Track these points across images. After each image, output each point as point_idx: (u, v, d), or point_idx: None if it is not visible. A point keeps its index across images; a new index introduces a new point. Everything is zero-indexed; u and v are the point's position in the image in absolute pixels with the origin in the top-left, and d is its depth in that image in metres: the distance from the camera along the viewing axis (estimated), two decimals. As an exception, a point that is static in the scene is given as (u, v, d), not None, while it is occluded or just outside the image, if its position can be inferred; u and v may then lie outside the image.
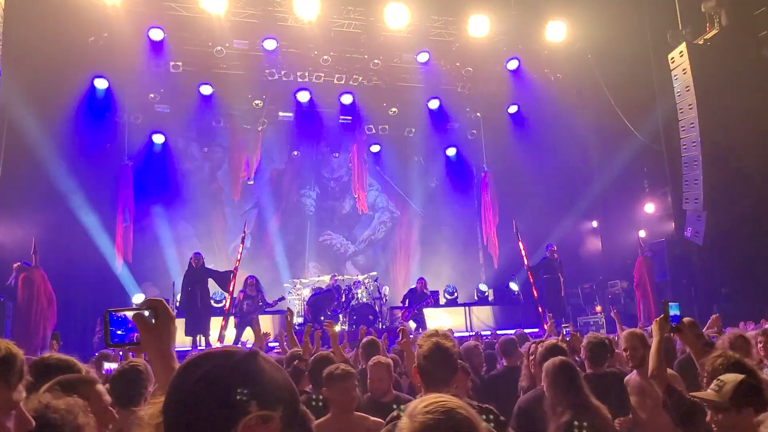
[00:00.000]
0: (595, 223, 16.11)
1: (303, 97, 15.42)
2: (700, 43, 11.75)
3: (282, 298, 12.82)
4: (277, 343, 8.24)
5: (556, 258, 13.61)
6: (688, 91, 11.45)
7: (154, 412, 1.16)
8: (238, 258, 12.24)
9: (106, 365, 4.80)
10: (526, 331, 8.91)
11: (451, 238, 17.50)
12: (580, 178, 15.52)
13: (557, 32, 13.93)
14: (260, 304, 12.13)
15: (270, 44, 13.63)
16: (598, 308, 14.13)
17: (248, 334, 11.46)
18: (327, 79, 14.93)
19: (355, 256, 17.35)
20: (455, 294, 15.35)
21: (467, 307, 14.86)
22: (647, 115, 13.02)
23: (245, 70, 14.39)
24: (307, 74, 14.72)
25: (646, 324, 11.09)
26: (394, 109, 16.48)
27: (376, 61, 14.68)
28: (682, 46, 11.54)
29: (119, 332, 1.61)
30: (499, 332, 9.28)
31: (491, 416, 2.72)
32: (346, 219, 17.45)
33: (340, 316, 13.21)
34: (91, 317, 12.09)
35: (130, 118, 14.69)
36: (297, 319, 14.00)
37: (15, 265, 10.32)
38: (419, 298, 13.50)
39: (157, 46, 13.16)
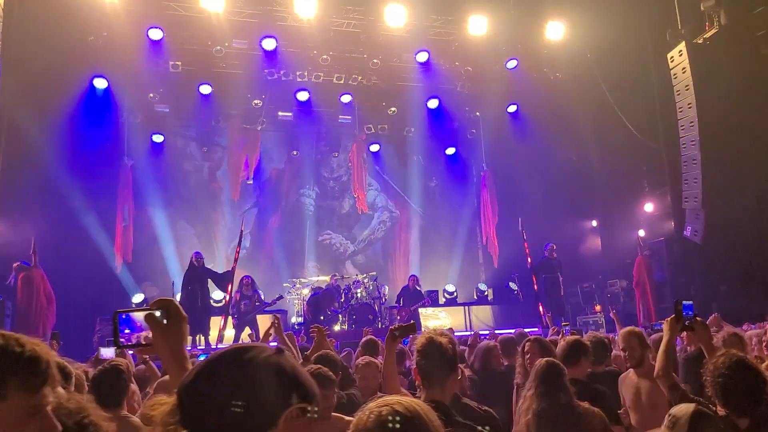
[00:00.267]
0: (594, 223, 16.11)
1: (302, 96, 15.44)
2: (700, 42, 11.74)
3: (280, 297, 12.82)
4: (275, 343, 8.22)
5: (555, 257, 13.62)
6: (687, 90, 11.46)
7: (164, 411, 1.13)
8: (236, 257, 12.22)
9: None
10: (526, 330, 8.91)
11: (451, 238, 17.51)
12: (580, 177, 15.52)
13: (556, 31, 13.94)
14: (257, 303, 12.13)
15: (269, 44, 13.63)
16: (598, 307, 14.13)
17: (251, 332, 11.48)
18: (326, 78, 14.92)
19: (355, 256, 17.35)
20: (454, 293, 15.37)
21: (467, 307, 14.88)
22: (646, 114, 13.03)
23: (244, 70, 14.38)
24: (306, 74, 14.71)
25: (646, 323, 11.11)
26: (393, 109, 16.48)
27: (375, 60, 14.68)
28: (682, 45, 11.55)
29: (127, 331, 1.60)
30: (497, 332, 9.25)
31: (491, 422, 2.71)
32: (345, 218, 17.45)
33: (340, 315, 13.23)
34: (91, 317, 12.09)
35: (130, 117, 14.68)
36: (297, 319, 14.03)
37: (14, 265, 10.34)
38: (412, 296, 13.51)
39: (156, 46, 13.15)
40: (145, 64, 13.50)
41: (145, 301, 13.12)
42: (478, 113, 17.20)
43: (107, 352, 4.79)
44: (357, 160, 16.78)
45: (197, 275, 11.90)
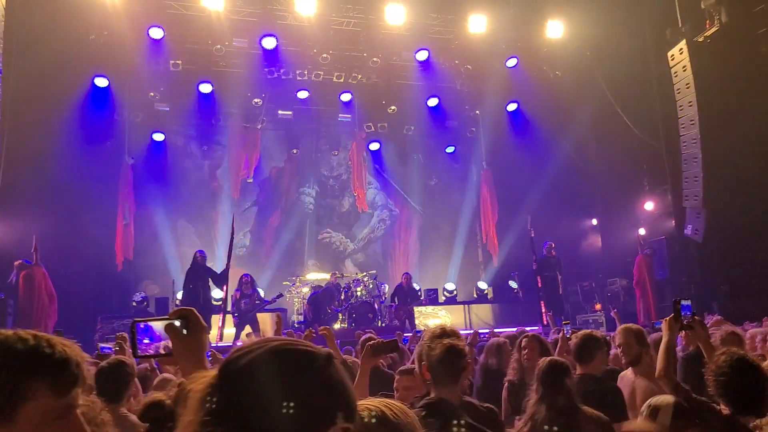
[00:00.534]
0: (594, 221, 16.11)
1: (302, 95, 15.45)
2: (700, 40, 11.73)
3: (280, 295, 12.83)
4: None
5: (554, 255, 13.60)
6: (687, 88, 11.45)
7: (204, 389, 1.03)
8: (229, 255, 12.15)
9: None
10: (527, 329, 8.90)
11: (450, 236, 17.51)
12: (580, 175, 15.53)
13: (556, 30, 13.94)
14: (257, 302, 12.14)
15: (269, 42, 13.63)
16: (598, 306, 14.16)
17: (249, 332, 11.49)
18: (326, 77, 14.92)
19: (355, 254, 17.36)
20: (454, 292, 15.38)
21: (466, 305, 14.89)
22: (647, 113, 13.03)
23: (245, 69, 14.39)
24: (306, 72, 14.71)
25: (647, 322, 11.11)
26: (393, 107, 16.47)
27: (375, 59, 14.68)
28: (682, 44, 11.54)
29: (146, 341, 1.60)
30: (497, 330, 9.26)
31: (493, 420, 2.72)
32: (345, 217, 17.46)
33: (340, 314, 13.24)
34: (92, 315, 12.11)
35: (130, 116, 14.69)
36: (297, 317, 14.04)
37: (16, 263, 10.34)
38: (407, 294, 13.49)
39: (156, 45, 13.16)
40: (145, 63, 13.50)
41: (145, 299, 13.14)
42: (477, 111, 17.20)
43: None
44: (357, 158, 16.79)
45: (199, 273, 11.92)
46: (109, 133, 14.29)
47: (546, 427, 3.03)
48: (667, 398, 2.64)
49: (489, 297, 15.57)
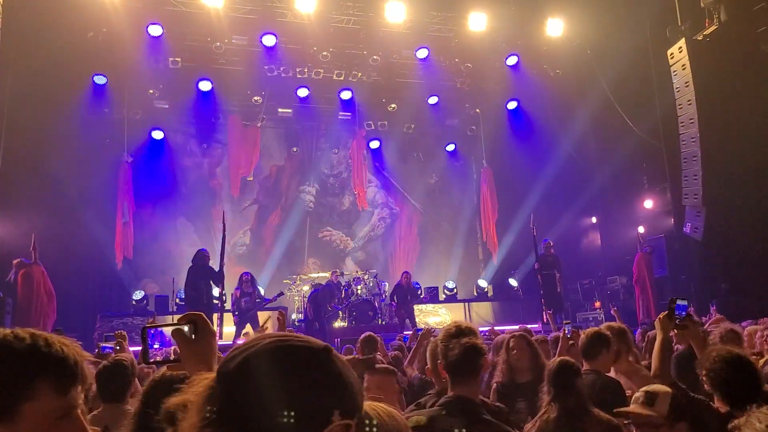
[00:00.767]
0: (594, 219, 16.11)
1: (302, 93, 15.43)
2: (700, 38, 11.72)
3: (281, 294, 12.82)
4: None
5: (552, 253, 13.57)
6: (687, 86, 11.44)
7: (203, 393, 1.01)
8: (222, 254, 12.08)
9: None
10: (527, 327, 8.90)
11: (451, 234, 17.52)
12: (579, 173, 15.52)
13: (556, 28, 13.93)
14: (258, 300, 12.13)
15: (269, 40, 13.61)
16: (597, 304, 14.17)
17: (247, 331, 11.48)
18: (326, 75, 14.91)
19: (355, 252, 17.36)
20: (454, 290, 15.39)
21: (467, 303, 14.90)
22: (646, 111, 13.01)
23: (244, 66, 14.37)
24: (306, 70, 14.69)
25: (646, 320, 11.12)
26: (393, 105, 16.47)
27: (375, 57, 14.67)
28: (681, 42, 11.53)
29: (156, 346, 1.59)
30: (497, 328, 9.27)
31: (504, 413, 2.72)
32: (345, 215, 17.45)
33: (340, 312, 13.24)
34: (91, 314, 12.11)
35: (129, 114, 14.65)
36: (297, 315, 14.05)
37: (15, 262, 10.31)
38: (407, 292, 13.48)
39: (156, 42, 13.14)
40: (144, 61, 13.48)
41: (145, 297, 13.13)
42: (478, 110, 17.20)
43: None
44: (357, 156, 16.78)
45: (202, 272, 11.89)
46: (108, 131, 14.27)
47: (552, 428, 3.01)
48: (663, 386, 2.63)
49: (489, 295, 15.59)
